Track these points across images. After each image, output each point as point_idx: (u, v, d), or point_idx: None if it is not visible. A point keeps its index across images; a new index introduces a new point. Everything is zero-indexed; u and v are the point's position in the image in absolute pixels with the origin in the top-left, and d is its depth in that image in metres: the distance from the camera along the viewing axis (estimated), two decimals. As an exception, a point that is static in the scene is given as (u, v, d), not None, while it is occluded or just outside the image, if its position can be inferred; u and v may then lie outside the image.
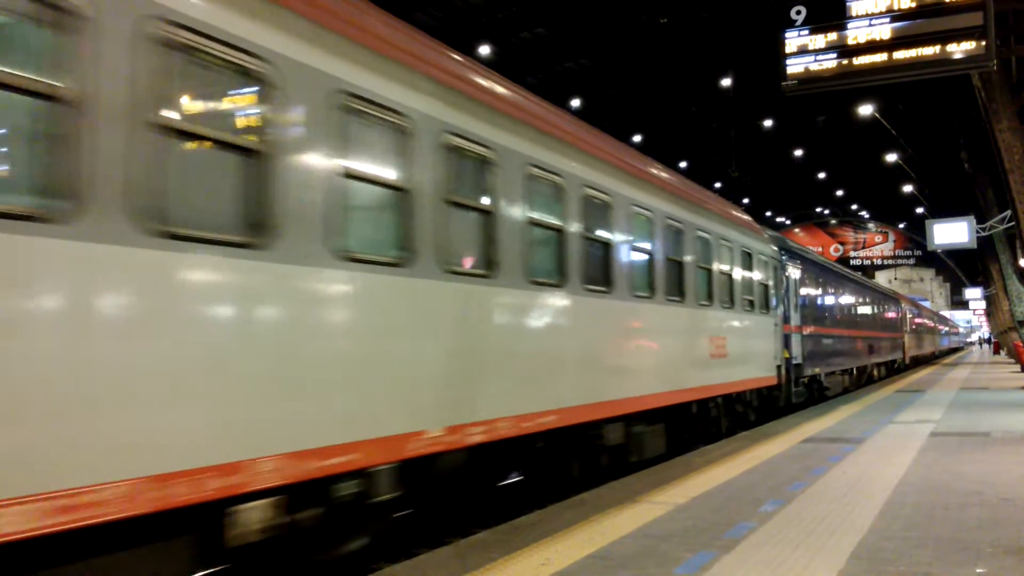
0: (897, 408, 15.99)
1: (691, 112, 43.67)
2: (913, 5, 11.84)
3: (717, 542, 5.53)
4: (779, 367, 15.54)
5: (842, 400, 18.98)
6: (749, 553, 5.24)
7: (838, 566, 4.89)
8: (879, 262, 79.40)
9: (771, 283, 15.32)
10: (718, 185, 56.57)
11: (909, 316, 41.53)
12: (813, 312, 19.33)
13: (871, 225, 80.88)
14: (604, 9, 30.26)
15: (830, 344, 21.02)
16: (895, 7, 11.92)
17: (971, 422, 13.10)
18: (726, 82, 36.19)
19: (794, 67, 12.71)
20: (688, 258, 10.96)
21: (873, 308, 30.28)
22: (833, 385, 21.15)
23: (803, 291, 18.30)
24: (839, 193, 70.13)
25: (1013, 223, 23.76)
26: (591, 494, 7.51)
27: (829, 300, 22.03)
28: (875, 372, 29.84)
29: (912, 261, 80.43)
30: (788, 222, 79.05)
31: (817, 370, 18.92)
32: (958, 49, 11.45)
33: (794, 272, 17.48)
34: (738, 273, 13.12)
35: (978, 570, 4.78)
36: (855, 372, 25.31)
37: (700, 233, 11.46)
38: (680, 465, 9.18)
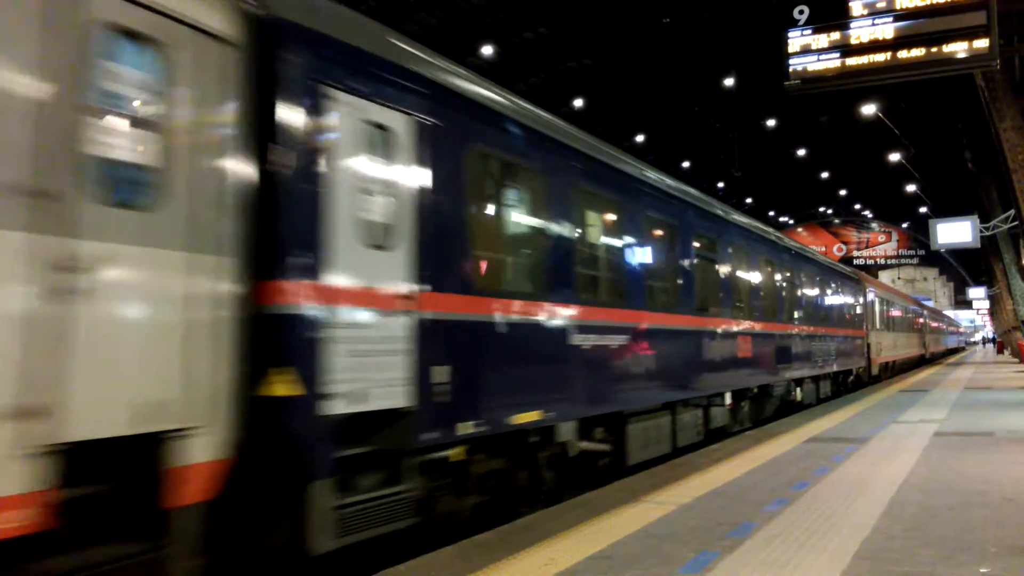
0: (900, 408, 15.96)
1: (694, 112, 43.67)
2: (916, 4, 11.83)
3: (720, 542, 5.52)
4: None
5: (845, 401, 18.92)
6: (752, 553, 5.24)
7: (842, 566, 4.89)
8: (882, 262, 79.38)
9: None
10: (721, 185, 56.68)
11: (879, 307, 28.36)
12: (522, 253, 7.73)
13: (874, 225, 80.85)
14: (607, 9, 30.28)
15: (614, 346, 8.81)
16: (898, 6, 11.91)
17: (975, 422, 13.07)
18: (729, 82, 36.20)
19: (797, 67, 12.70)
20: None
21: (791, 285, 16.98)
22: (648, 440, 9.69)
23: (451, 191, 6.39)
24: (842, 193, 70.12)
25: (1017, 222, 23.75)
26: (595, 494, 7.51)
27: (617, 233, 9.39)
28: (798, 393, 17.35)
29: (915, 261, 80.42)
30: (791, 222, 79.05)
31: (537, 416, 7.18)
32: (961, 48, 11.43)
33: (400, 126, 5.85)
34: None
35: (982, 570, 4.77)
36: (732, 400, 13.01)
37: None
38: (683, 465, 9.17)
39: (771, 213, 71.91)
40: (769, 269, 15.39)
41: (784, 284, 16.53)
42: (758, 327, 14.17)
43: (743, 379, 13.30)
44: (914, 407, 16.12)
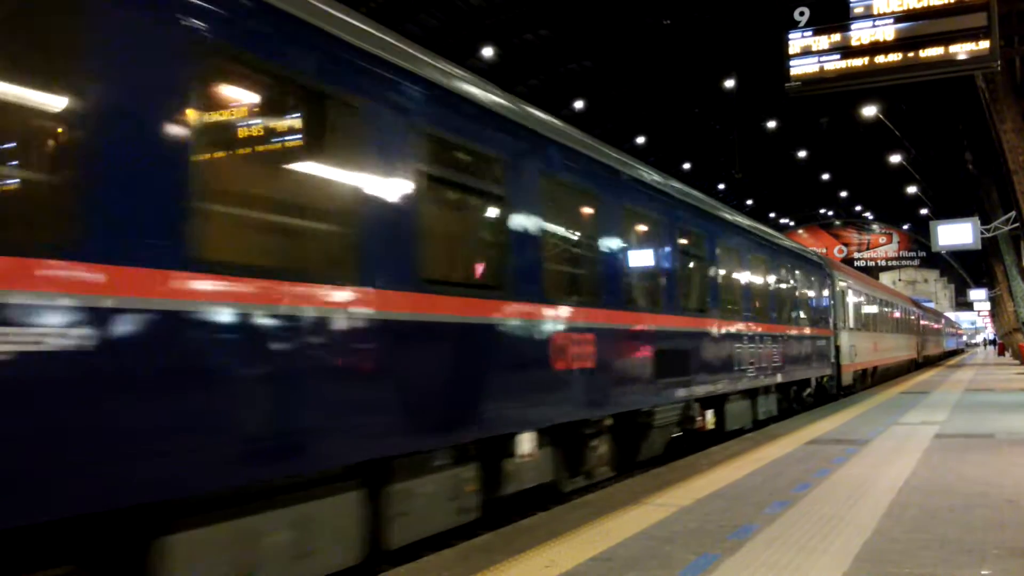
0: (901, 410, 15.95)
1: (694, 114, 43.73)
2: (917, 6, 11.83)
3: (721, 544, 5.52)
4: None
5: (848, 401, 18.90)
6: (753, 555, 5.23)
7: (843, 568, 4.88)
8: (883, 263, 79.43)
9: None
10: (721, 187, 56.69)
11: (853, 301, 23.26)
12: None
13: (875, 226, 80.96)
14: (607, 10, 30.31)
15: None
16: (899, 8, 11.92)
17: (976, 424, 13.06)
18: (729, 83, 36.24)
19: (798, 68, 12.70)
20: None
21: (693, 261, 11.59)
22: (277, 554, 4.52)
23: None
24: (843, 195, 70.21)
25: (1017, 224, 23.73)
26: (595, 496, 7.51)
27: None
28: (709, 418, 11.80)
29: (916, 263, 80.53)
30: (792, 223, 79.06)
31: None
32: (962, 50, 11.43)
33: None
34: None
35: (983, 572, 4.77)
36: (554, 444, 7.68)
37: None
38: (684, 467, 9.17)
39: (772, 215, 71.94)
40: (650, 231, 10.05)
41: (681, 259, 10.87)
42: (621, 320, 8.76)
43: (577, 407, 7.80)
44: (915, 409, 16.10)
